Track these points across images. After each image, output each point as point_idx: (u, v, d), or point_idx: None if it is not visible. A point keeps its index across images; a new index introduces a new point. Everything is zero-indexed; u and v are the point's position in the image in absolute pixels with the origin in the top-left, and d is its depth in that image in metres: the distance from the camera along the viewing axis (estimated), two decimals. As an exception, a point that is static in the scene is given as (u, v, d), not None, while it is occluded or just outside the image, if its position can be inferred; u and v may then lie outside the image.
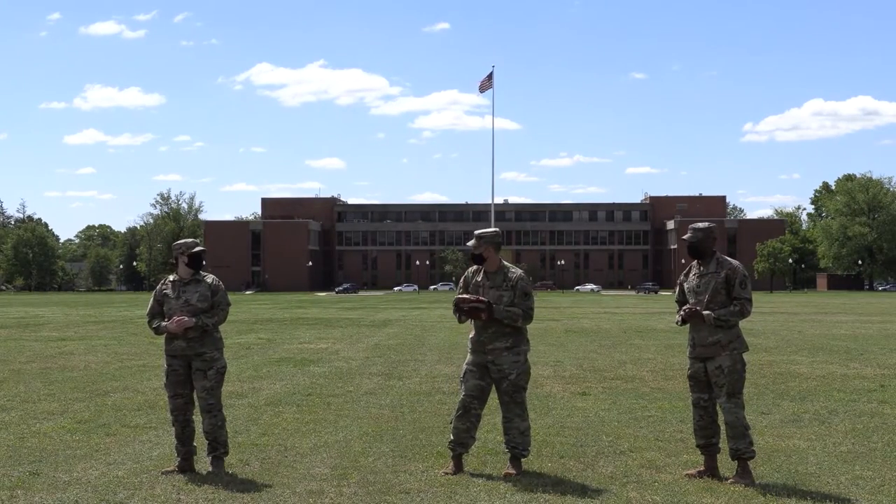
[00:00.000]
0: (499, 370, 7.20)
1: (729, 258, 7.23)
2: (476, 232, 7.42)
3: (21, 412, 10.41)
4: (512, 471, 7.13)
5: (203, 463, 7.51)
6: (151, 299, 7.52)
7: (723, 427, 7.08)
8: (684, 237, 7.33)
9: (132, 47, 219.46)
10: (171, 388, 7.42)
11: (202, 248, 7.53)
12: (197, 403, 7.39)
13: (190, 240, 7.58)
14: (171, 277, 7.53)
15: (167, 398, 7.51)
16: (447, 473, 7.10)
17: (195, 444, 7.50)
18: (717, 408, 7.13)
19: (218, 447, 7.32)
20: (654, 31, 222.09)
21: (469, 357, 7.36)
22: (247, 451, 8.01)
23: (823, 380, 13.49)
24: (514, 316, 7.15)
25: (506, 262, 7.38)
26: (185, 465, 7.33)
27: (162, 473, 7.21)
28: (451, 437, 7.27)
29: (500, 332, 7.20)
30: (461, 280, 7.49)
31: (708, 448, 7.15)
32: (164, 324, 7.34)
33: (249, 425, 9.41)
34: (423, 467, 7.39)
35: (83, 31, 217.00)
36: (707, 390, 7.14)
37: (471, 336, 7.39)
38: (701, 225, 7.24)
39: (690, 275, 7.29)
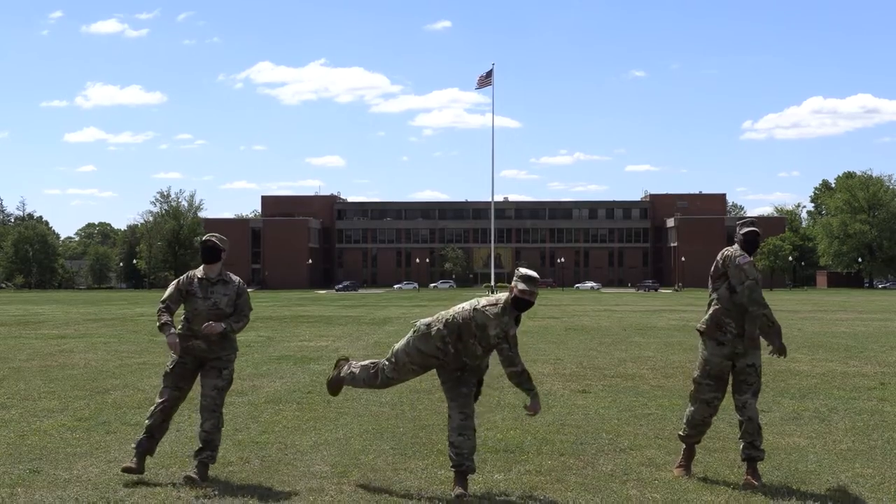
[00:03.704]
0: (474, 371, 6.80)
1: None
2: (533, 276, 6.47)
3: (21, 410, 10.40)
4: (460, 490, 6.49)
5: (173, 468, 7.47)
6: (173, 287, 7.16)
7: (714, 425, 7.11)
8: (754, 228, 7.09)
9: (134, 46, 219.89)
10: (172, 380, 7.06)
11: (213, 241, 7.12)
12: (200, 403, 7.04)
13: (208, 233, 7.25)
14: (198, 274, 7.18)
15: (161, 389, 7.11)
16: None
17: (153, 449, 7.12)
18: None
19: (208, 450, 6.93)
20: (654, 29, 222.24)
21: (414, 359, 6.83)
22: (247, 449, 8.00)
23: (823, 377, 13.50)
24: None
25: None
26: (140, 466, 6.93)
27: (122, 470, 6.89)
28: (354, 385, 7.28)
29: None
30: (511, 332, 6.48)
31: (696, 444, 7.19)
32: (174, 333, 7.00)
33: (249, 423, 9.41)
34: (423, 465, 7.38)
35: (85, 30, 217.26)
36: (723, 390, 7.06)
37: (426, 345, 6.74)
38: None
39: None
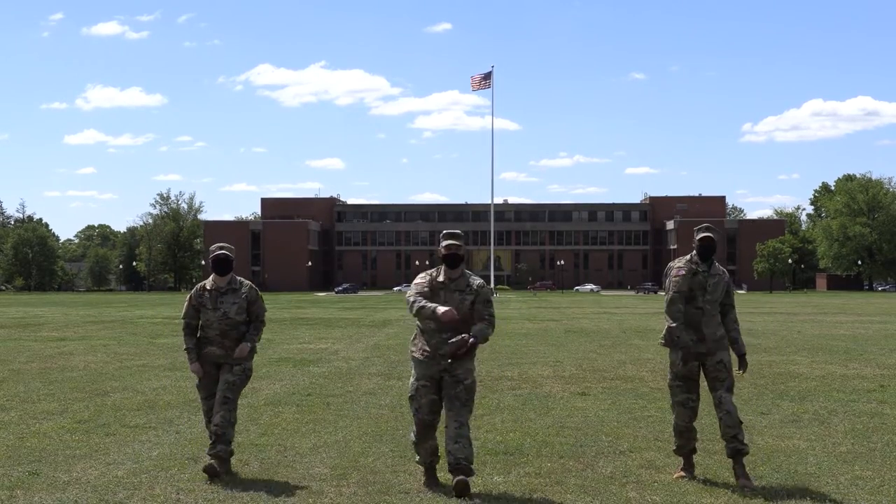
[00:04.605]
0: (453, 376, 6.67)
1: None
2: (452, 231, 6.91)
3: (21, 412, 10.41)
4: (460, 496, 6.46)
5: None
6: (187, 302, 7.39)
7: (702, 423, 7.30)
8: (709, 234, 7.14)
9: (134, 48, 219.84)
10: (204, 389, 7.38)
11: (224, 252, 7.33)
12: (216, 398, 7.29)
13: (217, 244, 7.45)
14: (207, 285, 7.40)
15: (200, 400, 7.49)
16: (430, 488, 6.75)
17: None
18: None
19: (220, 444, 7.09)
20: (654, 31, 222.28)
21: (418, 372, 6.77)
22: (246, 451, 8.00)
23: (823, 380, 13.50)
24: (487, 333, 6.74)
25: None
26: (226, 468, 7.26)
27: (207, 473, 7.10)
28: (424, 457, 6.84)
29: (452, 337, 6.68)
30: (425, 285, 6.75)
31: (691, 451, 7.19)
32: (196, 363, 7.35)
33: (249, 425, 9.41)
34: (422, 468, 7.37)
35: (85, 32, 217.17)
36: (696, 390, 7.15)
37: (415, 349, 6.83)
38: (715, 227, 7.32)
39: (697, 270, 7.12)
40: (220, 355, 7.32)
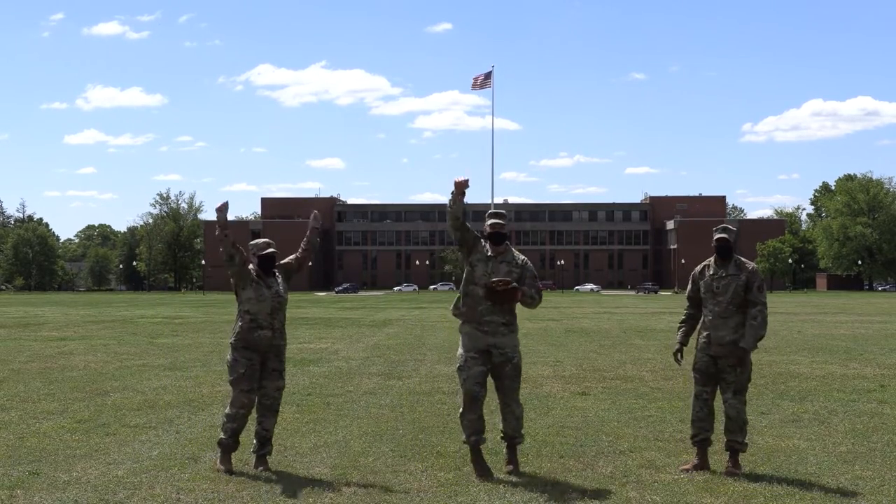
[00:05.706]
0: (502, 353, 7.05)
1: (745, 259, 7.49)
2: (497, 211, 7.27)
3: (21, 412, 10.40)
4: (511, 466, 7.16)
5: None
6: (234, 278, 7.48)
7: (715, 419, 7.44)
8: (723, 235, 7.35)
9: (135, 48, 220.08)
10: (247, 383, 7.30)
11: (274, 251, 7.55)
12: (261, 402, 7.39)
13: (263, 241, 7.59)
14: (252, 269, 7.54)
15: (237, 393, 7.31)
16: (482, 477, 6.91)
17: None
18: (713, 402, 7.42)
19: (268, 445, 7.42)
20: (654, 31, 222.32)
21: (467, 344, 7.10)
22: (246, 452, 7.99)
23: (823, 380, 13.50)
24: (532, 293, 7.12)
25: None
26: (230, 465, 7.34)
27: (217, 472, 7.20)
28: (468, 431, 7.08)
29: (496, 306, 7.06)
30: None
31: (703, 442, 7.32)
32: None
33: (248, 425, 9.37)
34: (422, 467, 7.38)
35: (86, 32, 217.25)
36: (712, 384, 7.35)
37: (463, 325, 7.18)
38: (732, 226, 7.50)
39: (706, 273, 7.41)
40: (269, 337, 7.35)
